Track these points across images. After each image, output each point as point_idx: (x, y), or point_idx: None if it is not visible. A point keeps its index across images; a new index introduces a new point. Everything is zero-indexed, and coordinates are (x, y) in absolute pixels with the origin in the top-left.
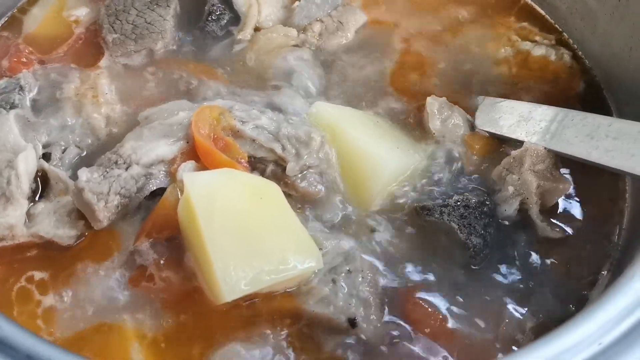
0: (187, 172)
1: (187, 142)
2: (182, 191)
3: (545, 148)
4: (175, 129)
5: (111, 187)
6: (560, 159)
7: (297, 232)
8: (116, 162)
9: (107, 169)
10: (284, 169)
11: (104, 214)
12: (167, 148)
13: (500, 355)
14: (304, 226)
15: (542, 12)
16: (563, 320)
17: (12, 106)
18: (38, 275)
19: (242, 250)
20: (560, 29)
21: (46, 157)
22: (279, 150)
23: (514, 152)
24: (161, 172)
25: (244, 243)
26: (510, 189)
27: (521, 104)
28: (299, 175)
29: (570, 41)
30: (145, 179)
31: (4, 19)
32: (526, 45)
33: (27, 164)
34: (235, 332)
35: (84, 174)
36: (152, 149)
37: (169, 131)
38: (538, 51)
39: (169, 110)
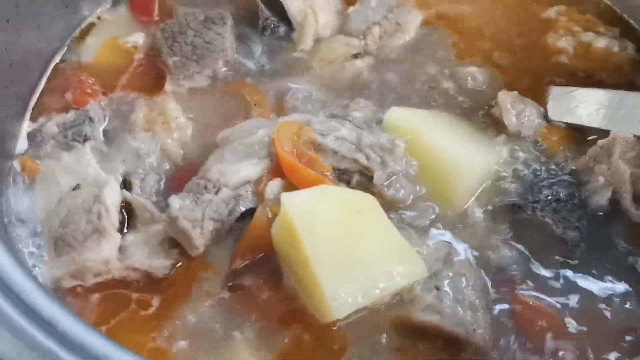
0: (284, 193)
1: (271, 160)
2: (272, 210)
3: (634, 135)
4: (256, 148)
5: (204, 212)
6: None
7: (398, 242)
8: (205, 187)
9: (198, 195)
10: (370, 178)
11: (200, 240)
12: (252, 168)
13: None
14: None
15: (609, 2)
16: None
17: (85, 138)
18: (141, 308)
19: (347, 265)
20: (629, 20)
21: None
22: (363, 160)
23: (600, 142)
24: (249, 192)
25: (347, 258)
26: (601, 179)
27: (595, 91)
28: (385, 183)
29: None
30: (235, 201)
31: (61, 51)
32: (588, 37)
33: (113, 196)
34: (345, 349)
35: (175, 201)
36: (237, 170)
37: (251, 151)
38: (601, 42)
39: (247, 129)
